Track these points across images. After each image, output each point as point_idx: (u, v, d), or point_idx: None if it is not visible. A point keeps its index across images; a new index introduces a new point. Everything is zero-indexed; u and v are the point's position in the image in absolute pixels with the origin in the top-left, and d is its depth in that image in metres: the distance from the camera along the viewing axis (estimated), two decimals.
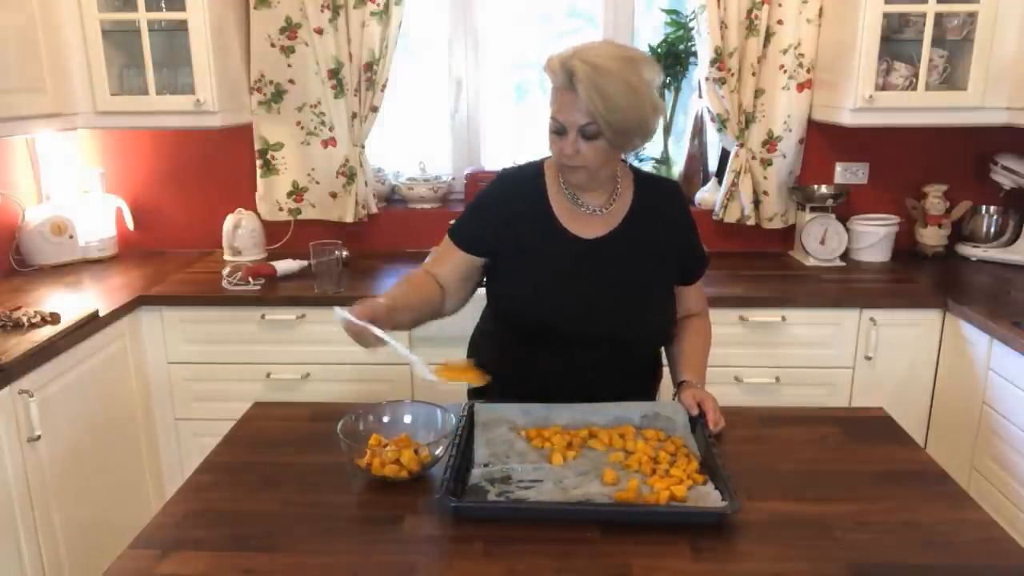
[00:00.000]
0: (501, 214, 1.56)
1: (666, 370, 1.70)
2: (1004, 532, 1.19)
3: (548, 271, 1.52)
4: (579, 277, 1.51)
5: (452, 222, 1.63)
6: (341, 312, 1.34)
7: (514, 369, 1.56)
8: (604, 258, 1.52)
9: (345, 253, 2.75)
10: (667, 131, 2.97)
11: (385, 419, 1.42)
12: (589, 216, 1.53)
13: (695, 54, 2.78)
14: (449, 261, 1.58)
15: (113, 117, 2.53)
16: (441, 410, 1.42)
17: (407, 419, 1.44)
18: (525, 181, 1.58)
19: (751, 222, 2.81)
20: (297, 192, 2.87)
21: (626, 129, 1.40)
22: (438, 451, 1.33)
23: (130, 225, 2.90)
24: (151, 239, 2.96)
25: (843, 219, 2.74)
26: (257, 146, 2.83)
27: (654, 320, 1.57)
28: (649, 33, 2.94)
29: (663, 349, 1.70)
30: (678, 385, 1.58)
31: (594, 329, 1.51)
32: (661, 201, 1.58)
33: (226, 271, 2.51)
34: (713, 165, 2.99)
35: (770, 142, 2.76)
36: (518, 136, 3.09)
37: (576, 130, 1.40)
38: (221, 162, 2.91)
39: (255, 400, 1.67)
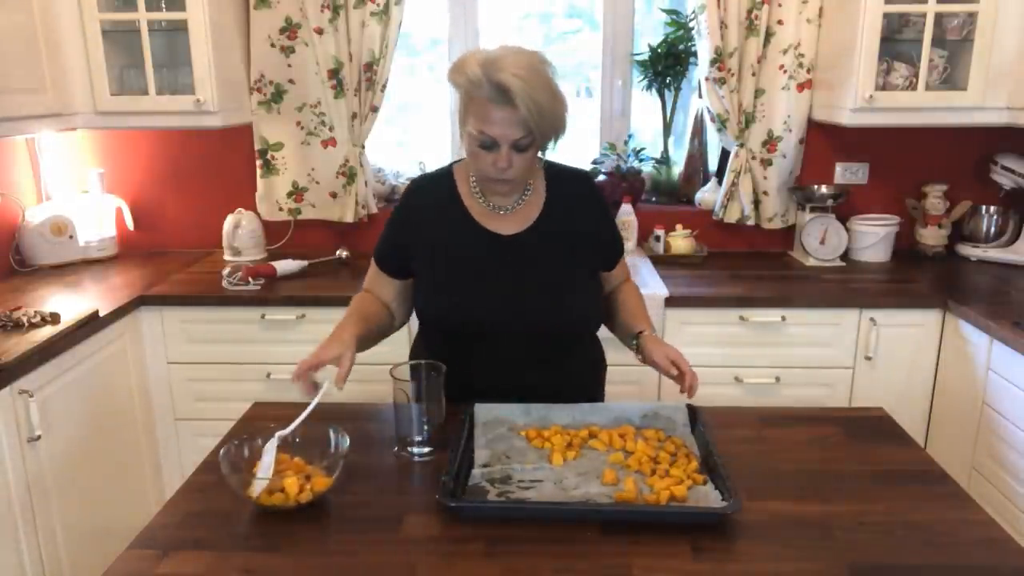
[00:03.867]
0: (414, 224, 1.58)
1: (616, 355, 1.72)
2: (1004, 532, 1.19)
3: (470, 271, 1.54)
4: (501, 274, 1.53)
5: (376, 244, 1.65)
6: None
7: (450, 371, 1.53)
8: (523, 253, 1.54)
9: (345, 253, 2.76)
10: (667, 131, 2.97)
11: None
12: (502, 215, 1.55)
13: (695, 54, 2.78)
14: (381, 284, 1.63)
15: (113, 117, 2.53)
16: (334, 431, 1.33)
17: (298, 441, 1.32)
18: (437, 186, 1.59)
19: (751, 222, 2.81)
20: (297, 192, 2.87)
21: (552, 133, 1.44)
22: (335, 475, 1.25)
23: (130, 225, 2.91)
24: (151, 239, 2.96)
25: (843, 219, 2.74)
26: (257, 146, 2.83)
27: (577, 308, 1.56)
28: (649, 33, 2.94)
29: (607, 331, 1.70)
30: (636, 336, 1.56)
31: (520, 323, 1.52)
32: (573, 193, 1.59)
33: (226, 271, 2.51)
34: (713, 165, 2.99)
35: (770, 142, 2.76)
36: None
37: (509, 144, 1.40)
38: (221, 162, 2.91)
39: (255, 400, 1.67)
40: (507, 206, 1.55)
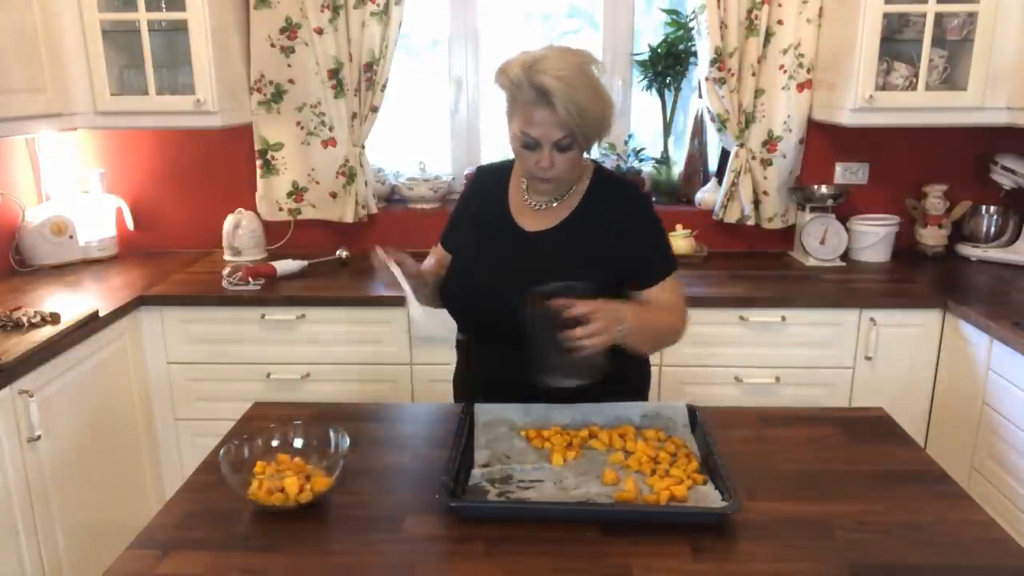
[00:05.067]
0: (468, 210, 1.67)
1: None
2: (1004, 532, 1.19)
3: (484, 261, 1.57)
4: (510, 268, 1.51)
5: None
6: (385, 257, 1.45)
7: (466, 356, 1.65)
8: (537, 251, 1.53)
9: (345, 253, 2.76)
10: (667, 131, 2.97)
11: (274, 443, 1.34)
12: (536, 211, 1.56)
13: (695, 54, 2.78)
14: (440, 255, 1.69)
15: (113, 117, 2.53)
16: (334, 431, 1.33)
17: (298, 443, 1.34)
18: (494, 175, 1.64)
19: (751, 222, 2.81)
20: (297, 192, 2.87)
21: (595, 134, 1.44)
22: (335, 475, 1.26)
23: (130, 225, 2.91)
24: (151, 239, 2.96)
25: (843, 219, 2.74)
26: (257, 146, 2.83)
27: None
28: (649, 33, 2.94)
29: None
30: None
31: (516, 320, 1.44)
32: (613, 205, 1.53)
33: (226, 271, 2.51)
34: (713, 165, 2.99)
35: (770, 142, 2.76)
36: None
37: (551, 145, 1.42)
38: (221, 162, 2.91)
39: (255, 400, 1.67)
40: (543, 203, 1.55)
